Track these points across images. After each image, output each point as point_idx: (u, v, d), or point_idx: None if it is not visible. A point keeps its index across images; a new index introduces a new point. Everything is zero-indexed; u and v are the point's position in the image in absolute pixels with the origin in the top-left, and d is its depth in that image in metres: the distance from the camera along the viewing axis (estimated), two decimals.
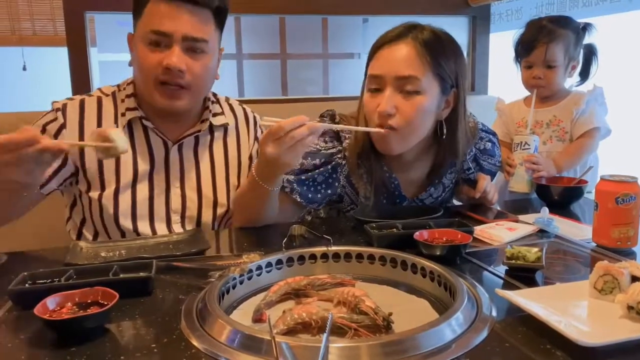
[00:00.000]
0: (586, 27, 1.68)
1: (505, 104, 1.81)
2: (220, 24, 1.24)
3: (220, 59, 1.31)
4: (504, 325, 0.73)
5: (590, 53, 1.69)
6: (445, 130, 1.25)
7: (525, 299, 0.76)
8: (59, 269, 0.88)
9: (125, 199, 1.24)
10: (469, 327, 0.71)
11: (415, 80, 1.16)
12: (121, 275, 0.86)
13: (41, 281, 0.85)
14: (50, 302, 0.73)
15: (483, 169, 1.41)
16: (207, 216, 1.31)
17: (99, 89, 1.31)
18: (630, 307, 0.71)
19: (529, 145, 1.55)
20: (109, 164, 1.23)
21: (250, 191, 1.20)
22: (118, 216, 1.23)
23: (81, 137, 1.22)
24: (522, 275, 0.90)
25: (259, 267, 0.92)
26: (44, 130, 1.21)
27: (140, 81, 1.22)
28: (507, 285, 0.88)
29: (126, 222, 1.23)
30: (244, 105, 1.45)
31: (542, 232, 1.15)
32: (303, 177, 1.28)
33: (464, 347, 0.68)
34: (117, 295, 0.74)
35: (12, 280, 0.83)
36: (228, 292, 0.85)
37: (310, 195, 1.29)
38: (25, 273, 0.85)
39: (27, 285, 0.83)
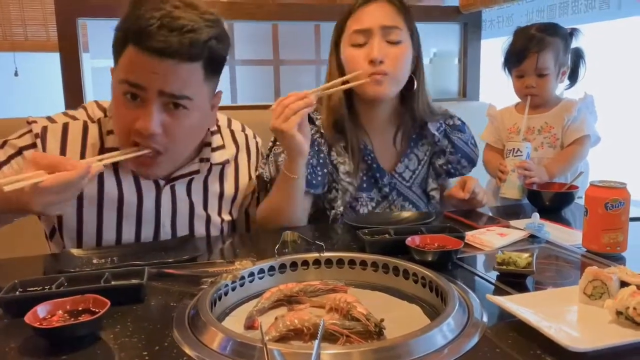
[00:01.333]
0: (573, 32, 1.70)
1: (496, 110, 1.82)
2: (213, 74, 1.08)
3: (218, 105, 1.16)
4: (495, 330, 0.74)
5: (577, 57, 1.71)
6: (415, 84, 1.38)
7: (516, 304, 0.76)
8: (50, 277, 0.88)
9: (108, 240, 1.15)
10: (460, 333, 0.72)
11: (398, 30, 1.30)
12: (113, 283, 0.86)
13: (32, 289, 0.84)
14: (41, 310, 0.73)
15: (455, 145, 1.47)
16: None
17: (85, 111, 1.17)
18: (619, 313, 0.72)
19: (521, 152, 1.57)
20: (91, 206, 1.12)
21: (277, 191, 1.25)
22: (102, 238, 1.16)
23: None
24: (513, 280, 0.91)
25: (251, 274, 0.92)
26: (19, 153, 1.10)
27: (117, 133, 1.09)
28: (498, 291, 0.88)
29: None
30: (247, 131, 1.35)
31: (533, 238, 1.16)
32: None
33: (455, 352, 0.68)
34: (109, 303, 0.73)
35: (3, 288, 0.83)
36: (220, 298, 0.85)
37: (314, 182, 1.33)
38: (16, 280, 0.85)
39: (18, 292, 0.83)
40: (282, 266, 0.95)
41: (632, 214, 1.05)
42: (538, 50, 1.63)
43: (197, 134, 1.14)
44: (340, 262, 0.97)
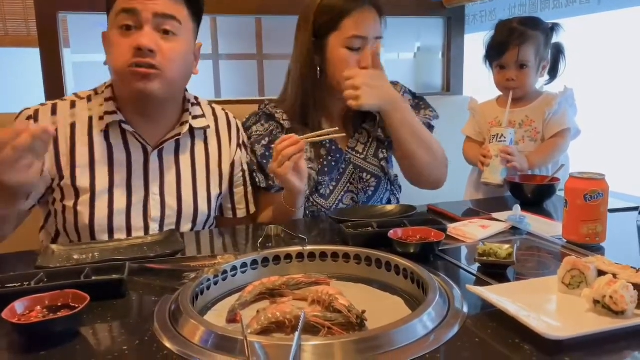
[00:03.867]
0: (554, 27, 1.71)
1: (477, 103, 1.83)
2: (194, 14, 1.21)
3: (199, 55, 1.28)
4: (475, 320, 0.75)
5: (558, 52, 1.72)
6: None
7: (496, 294, 0.77)
8: (29, 272, 0.87)
9: (101, 207, 1.20)
10: (441, 323, 0.72)
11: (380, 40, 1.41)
12: (93, 278, 0.85)
13: (11, 285, 0.83)
14: (19, 305, 0.72)
15: None
16: (186, 224, 1.28)
17: (75, 94, 1.28)
18: (596, 301, 0.73)
19: (505, 137, 1.59)
20: (83, 170, 1.19)
21: (278, 214, 1.34)
22: (94, 227, 1.19)
23: (55, 144, 1.19)
24: (494, 271, 0.92)
25: (234, 268, 0.92)
26: None
27: (115, 70, 1.17)
28: (478, 282, 0.89)
29: (103, 235, 1.20)
30: (227, 111, 1.42)
31: (514, 230, 1.18)
32: (266, 165, 1.37)
33: (436, 342, 0.68)
34: (88, 298, 0.73)
35: None
36: (202, 293, 0.85)
37: None
38: None
39: None
40: (265, 260, 0.95)
41: (611, 205, 1.07)
42: (519, 43, 1.64)
43: (184, 64, 1.20)
44: (323, 255, 0.97)
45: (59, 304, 0.74)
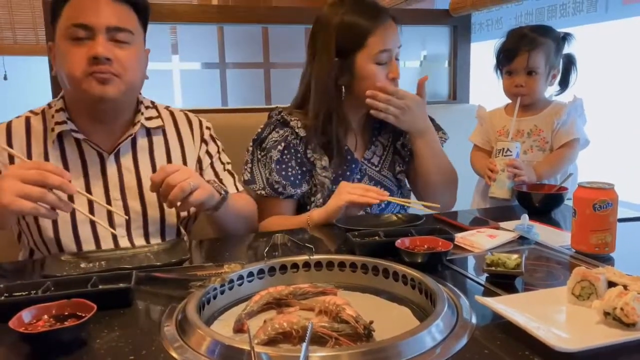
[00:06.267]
0: (566, 36, 1.70)
1: (486, 111, 1.82)
2: (142, 21, 1.23)
3: (147, 61, 1.28)
4: (484, 331, 0.74)
5: (569, 62, 1.72)
6: None
7: (505, 305, 0.76)
8: (36, 281, 0.87)
9: (63, 218, 1.17)
10: (449, 334, 0.72)
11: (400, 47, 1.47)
12: (100, 287, 0.85)
13: (18, 293, 0.83)
14: (26, 315, 0.72)
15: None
16: (154, 226, 1.26)
17: (30, 110, 1.27)
18: (606, 313, 0.72)
19: (511, 151, 1.58)
20: None
21: (289, 225, 1.36)
22: (60, 239, 1.18)
23: (11, 161, 1.18)
24: (502, 281, 0.91)
25: (241, 277, 0.91)
26: None
27: (69, 78, 1.15)
28: (487, 292, 0.89)
29: (71, 246, 1.18)
30: (187, 112, 1.41)
31: (522, 239, 1.17)
32: (283, 172, 1.42)
33: (444, 354, 0.68)
34: (95, 307, 0.73)
35: None
36: (209, 302, 0.84)
37: (296, 182, 1.43)
38: (2, 285, 0.84)
39: (3, 297, 0.82)
40: (272, 269, 0.95)
41: (620, 215, 1.06)
42: (529, 49, 1.64)
43: (140, 70, 1.22)
44: (330, 264, 0.97)
45: (66, 313, 0.74)
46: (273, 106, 1.66)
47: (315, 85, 1.44)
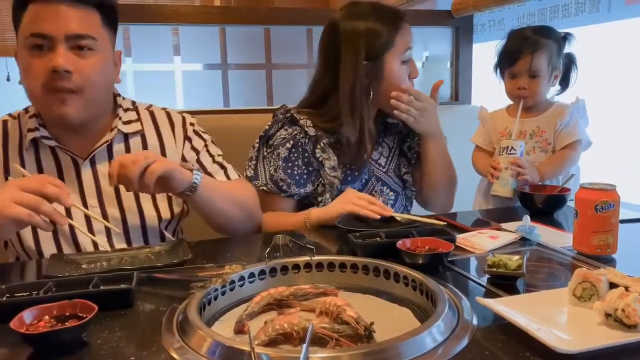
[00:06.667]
0: (566, 36, 1.70)
1: (488, 112, 1.82)
2: (109, 23, 1.17)
3: (120, 63, 1.24)
4: (485, 333, 0.74)
5: (570, 62, 1.72)
6: None
7: (506, 306, 0.76)
8: (37, 282, 0.87)
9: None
10: (450, 335, 0.72)
11: None
12: (101, 287, 0.85)
13: (19, 294, 0.84)
14: (27, 315, 0.72)
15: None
16: (135, 231, 1.23)
17: (9, 113, 1.25)
18: (608, 314, 0.72)
19: (515, 150, 1.58)
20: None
21: (289, 225, 1.36)
22: (41, 249, 1.17)
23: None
24: (504, 283, 0.91)
25: (242, 278, 0.91)
26: None
27: (31, 93, 1.12)
28: (488, 293, 0.88)
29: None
30: (169, 110, 1.36)
31: (524, 240, 1.16)
32: (289, 170, 1.43)
33: (445, 355, 0.68)
34: (96, 308, 0.73)
35: None
36: (210, 303, 0.84)
37: (301, 181, 1.44)
38: (3, 286, 0.84)
39: (5, 298, 0.82)
40: (273, 270, 0.95)
41: (622, 216, 1.06)
42: (532, 51, 1.64)
43: (105, 78, 1.17)
44: (331, 265, 0.97)
45: (67, 314, 0.74)
46: (275, 107, 1.66)
47: (342, 88, 1.43)
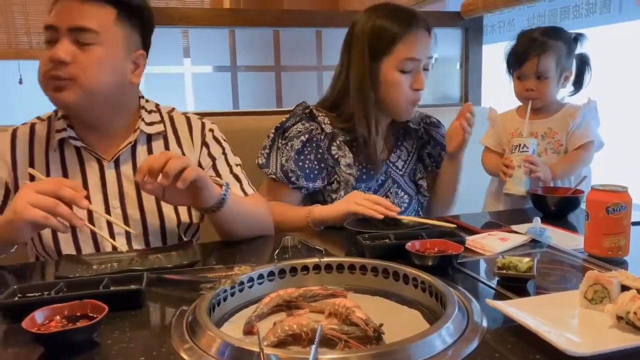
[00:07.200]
0: (578, 37, 1.69)
1: (497, 113, 1.81)
2: (128, 21, 1.18)
3: (142, 64, 1.24)
4: (495, 335, 0.73)
5: (582, 63, 1.70)
6: None
7: (516, 309, 0.76)
8: (49, 282, 0.88)
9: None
10: (460, 337, 0.71)
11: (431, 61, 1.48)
12: (112, 288, 0.86)
13: (31, 294, 0.84)
14: (39, 315, 0.73)
15: (434, 139, 1.64)
16: (155, 232, 1.24)
17: (37, 117, 1.29)
18: (619, 317, 0.71)
19: (527, 147, 1.57)
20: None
21: (294, 221, 1.39)
22: (60, 248, 1.18)
23: (13, 167, 1.20)
24: (514, 285, 0.90)
25: (251, 279, 0.92)
26: None
27: (39, 81, 1.16)
28: (498, 296, 0.88)
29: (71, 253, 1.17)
30: (189, 114, 1.37)
31: (534, 242, 1.16)
32: (300, 162, 1.45)
33: (455, 357, 0.67)
34: (106, 308, 0.73)
35: (2, 292, 0.83)
36: (219, 304, 0.85)
37: (311, 175, 1.46)
38: (15, 286, 0.85)
39: (17, 298, 0.83)
40: (282, 271, 0.95)
41: (634, 218, 1.05)
42: (539, 53, 1.62)
43: (108, 71, 1.16)
44: (340, 267, 0.97)
45: (78, 314, 0.75)
46: (284, 109, 1.67)
47: (351, 88, 1.46)
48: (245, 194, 1.32)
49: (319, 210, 1.37)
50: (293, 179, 1.44)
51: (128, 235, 1.22)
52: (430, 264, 0.96)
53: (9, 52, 3.80)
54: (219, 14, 2.08)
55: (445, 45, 2.32)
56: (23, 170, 1.20)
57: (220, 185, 1.17)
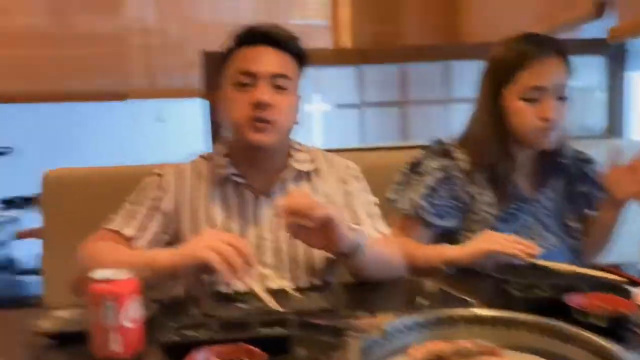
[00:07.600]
0: None
1: None
2: (300, 69, 1.30)
3: (299, 107, 1.33)
4: None
5: None
6: None
7: None
8: (201, 322, 0.91)
9: None
10: None
11: (566, 88, 1.35)
12: (263, 332, 0.87)
13: (187, 332, 0.87)
14: (200, 356, 0.75)
15: (588, 176, 1.50)
16: (303, 271, 1.27)
17: (200, 155, 1.39)
18: None
19: None
20: (204, 224, 1.27)
21: (426, 262, 1.34)
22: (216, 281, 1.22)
23: (177, 200, 1.29)
24: None
25: (395, 328, 0.88)
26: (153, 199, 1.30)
27: (234, 122, 1.25)
28: None
29: (220, 285, 1.21)
30: (332, 155, 1.43)
31: None
32: (430, 198, 1.40)
33: None
34: (266, 356, 0.74)
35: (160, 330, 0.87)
36: (365, 352, 0.82)
37: (443, 213, 1.41)
38: (173, 324, 0.89)
39: (176, 337, 0.86)
40: (428, 321, 0.90)
41: None
42: None
43: (293, 116, 1.29)
44: (493, 320, 0.89)
45: (233, 359, 0.76)
46: (411, 144, 1.64)
47: (480, 120, 1.43)
48: (380, 233, 1.33)
49: (451, 250, 1.32)
50: (424, 216, 1.40)
51: (278, 268, 1.26)
52: (600, 324, 0.85)
53: (149, 92, 4.16)
54: (345, 54, 2.12)
55: (585, 73, 2.16)
56: (187, 203, 1.30)
57: (357, 231, 1.18)
